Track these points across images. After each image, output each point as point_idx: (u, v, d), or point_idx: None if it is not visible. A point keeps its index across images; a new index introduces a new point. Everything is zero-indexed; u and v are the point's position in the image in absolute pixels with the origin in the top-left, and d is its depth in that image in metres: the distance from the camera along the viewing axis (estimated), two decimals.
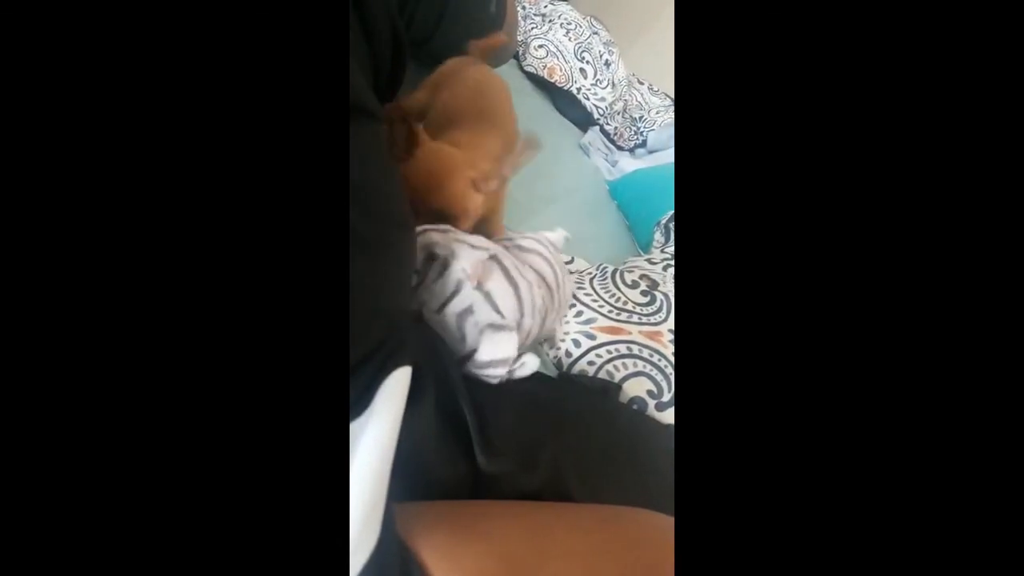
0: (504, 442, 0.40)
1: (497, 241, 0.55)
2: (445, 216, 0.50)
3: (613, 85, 1.45)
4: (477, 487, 0.38)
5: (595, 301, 0.67)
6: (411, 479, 0.33)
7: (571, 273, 0.72)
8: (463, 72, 0.67)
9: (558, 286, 0.55)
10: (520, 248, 0.55)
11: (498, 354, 0.44)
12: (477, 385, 0.43)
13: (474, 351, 0.44)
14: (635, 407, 0.57)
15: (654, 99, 1.62)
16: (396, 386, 0.32)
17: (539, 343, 0.62)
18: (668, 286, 0.74)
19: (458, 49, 0.71)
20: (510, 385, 0.46)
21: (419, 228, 0.46)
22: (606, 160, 1.39)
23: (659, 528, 0.36)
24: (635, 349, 0.61)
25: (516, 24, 0.95)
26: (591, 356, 0.61)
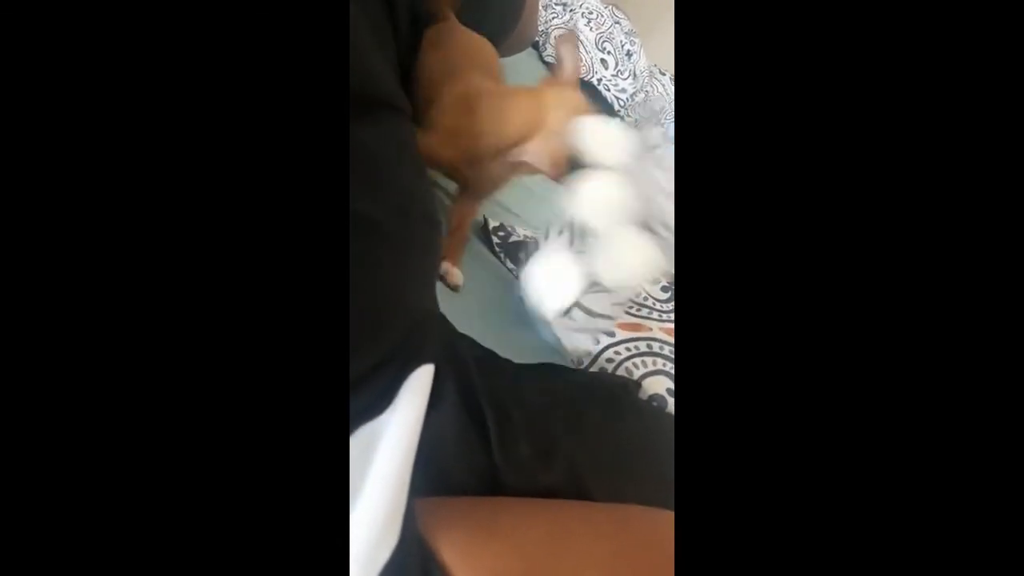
0: (523, 440, 0.40)
1: None
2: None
3: (634, 76, 1.43)
4: (496, 483, 0.38)
5: None
6: (432, 475, 0.33)
7: None
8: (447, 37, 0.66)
9: None
10: None
11: None
12: (496, 382, 0.43)
13: None
14: (654, 405, 0.56)
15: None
16: (419, 383, 0.32)
17: None
18: None
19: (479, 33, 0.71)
20: (529, 382, 0.46)
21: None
22: None
23: None
24: (655, 347, 0.60)
25: (536, 11, 0.94)
26: (610, 353, 0.60)
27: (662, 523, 0.37)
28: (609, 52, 1.38)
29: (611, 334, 0.62)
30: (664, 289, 0.71)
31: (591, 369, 0.60)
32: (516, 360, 0.48)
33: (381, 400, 0.30)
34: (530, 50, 1.32)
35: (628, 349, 0.60)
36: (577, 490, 0.40)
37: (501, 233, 0.75)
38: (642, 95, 1.48)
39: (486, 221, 0.76)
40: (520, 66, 1.14)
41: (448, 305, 0.46)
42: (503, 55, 0.92)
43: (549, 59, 1.34)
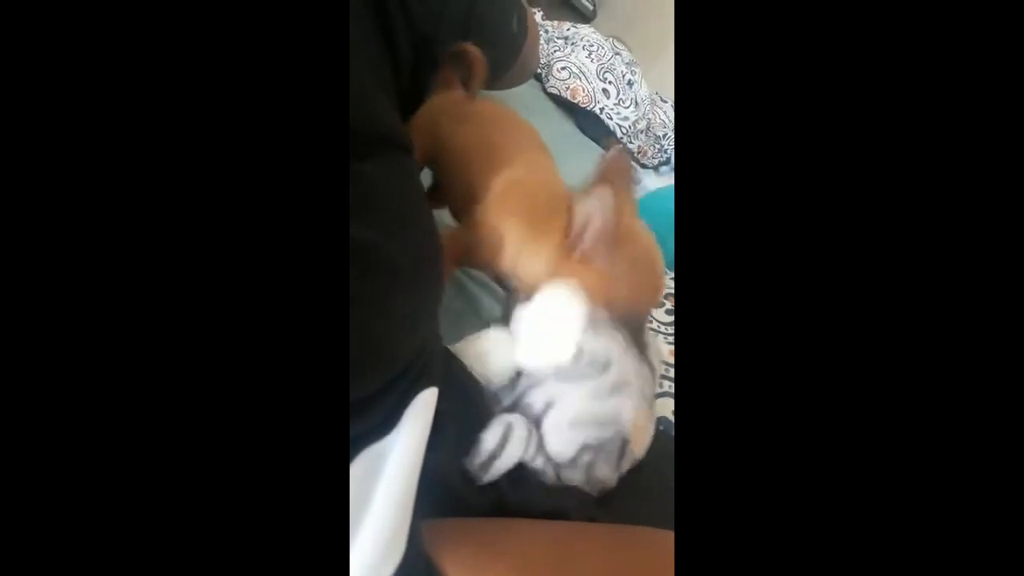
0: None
1: None
2: None
3: (636, 104, 1.45)
4: (502, 505, 0.38)
5: None
6: (437, 496, 0.34)
7: None
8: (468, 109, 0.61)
9: None
10: None
11: None
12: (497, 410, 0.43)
13: None
14: (661, 428, 0.56)
15: None
16: (423, 406, 0.32)
17: None
18: None
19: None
20: None
21: None
22: None
23: None
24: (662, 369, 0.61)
25: (537, 43, 0.96)
26: None
27: (667, 544, 0.37)
28: (610, 82, 1.41)
29: None
30: (669, 312, 0.71)
31: None
32: None
33: (386, 422, 0.31)
34: (533, 82, 1.35)
35: None
36: (584, 511, 0.40)
37: None
38: (644, 122, 1.51)
39: None
40: (524, 99, 1.17)
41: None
42: (504, 87, 0.95)
43: (552, 91, 1.38)
